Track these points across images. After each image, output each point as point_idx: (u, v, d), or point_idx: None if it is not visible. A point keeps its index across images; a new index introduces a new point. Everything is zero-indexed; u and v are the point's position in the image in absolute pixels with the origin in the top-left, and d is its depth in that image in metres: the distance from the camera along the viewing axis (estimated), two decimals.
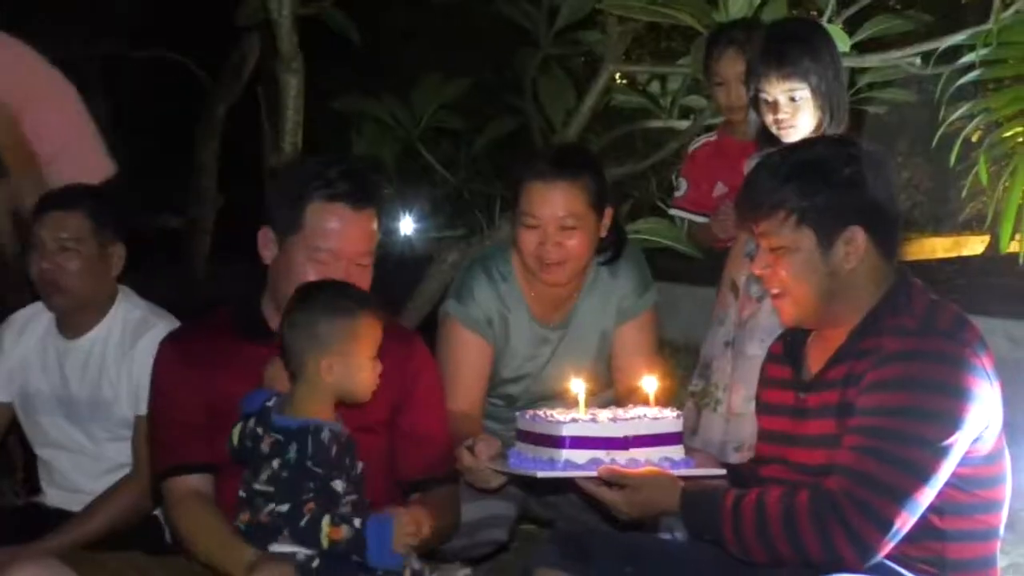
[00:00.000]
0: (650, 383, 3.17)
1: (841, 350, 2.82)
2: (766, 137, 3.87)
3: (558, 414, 3.01)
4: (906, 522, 2.64)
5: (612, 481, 2.90)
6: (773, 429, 2.98)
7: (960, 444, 2.67)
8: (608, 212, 3.72)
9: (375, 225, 3.24)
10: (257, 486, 2.93)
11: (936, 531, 2.72)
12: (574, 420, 2.97)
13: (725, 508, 2.75)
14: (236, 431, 3.03)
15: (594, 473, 2.91)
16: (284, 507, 2.89)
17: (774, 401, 3.00)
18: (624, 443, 2.96)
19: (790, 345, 2.99)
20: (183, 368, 3.22)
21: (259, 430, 2.98)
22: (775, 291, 2.88)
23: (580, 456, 2.92)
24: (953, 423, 2.64)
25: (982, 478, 2.75)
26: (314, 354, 2.98)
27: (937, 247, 10.53)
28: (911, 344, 2.69)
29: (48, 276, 3.76)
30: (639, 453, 2.96)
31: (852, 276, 2.81)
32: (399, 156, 5.71)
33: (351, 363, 2.99)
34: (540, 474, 2.95)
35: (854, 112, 3.95)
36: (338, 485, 2.91)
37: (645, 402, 3.14)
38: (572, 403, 3.12)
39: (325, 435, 2.92)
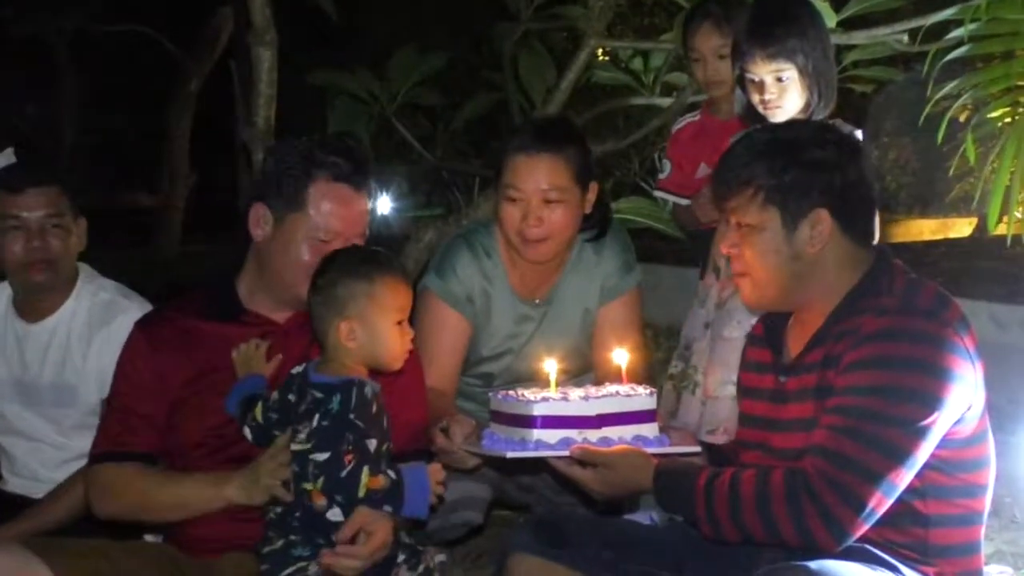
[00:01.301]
0: (622, 358, 3.16)
1: (819, 332, 2.82)
2: (753, 116, 3.85)
3: (529, 394, 3.01)
4: (881, 503, 2.64)
5: (584, 460, 2.90)
6: (754, 414, 2.98)
7: (940, 425, 2.66)
8: (593, 187, 3.71)
9: (368, 206, 3.28)
10: (295, 447, 2.95)
11: (919, 516, 2.72)
12: (545, 399, 2.96)
13: (698, 487, 2.75)
14: (259, 410, 3.06)
15: (566, 453, 2.90)
16: (323, 455, 2.91)
17: (754, 385, 3.00)
18: (596, 422, 2.95)
19: (770, 328, 2.99)
20: (152, 356, 3.23)
21: (291, 396, 3.01)
22: (740, 271, 2.89)
23: (551, 436, 2.91)
24: (932, 403, 2.64)
25: (964, 461, 2.75)
26: (334, 318, 3.01)
27: (924, 229, 10.56)
28: (889, 323, 2.69)
29: (38, 255, 3.71)
30: (612, 432, 2.95)
31: (818, 260, 2.81)
32: (374, 133, 5.69)
33: (373, 327, 3.02)
34: (510, 454, 2.95)
35: (839, 91, 3.94)
36: (372, 444, 2.94)
37: (619, 380, 3.13)
38: (548, 383, 3.11)
39: (368, 390, 2.96)
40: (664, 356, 5.47)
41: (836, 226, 2.79)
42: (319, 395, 2.96)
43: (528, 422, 2.93)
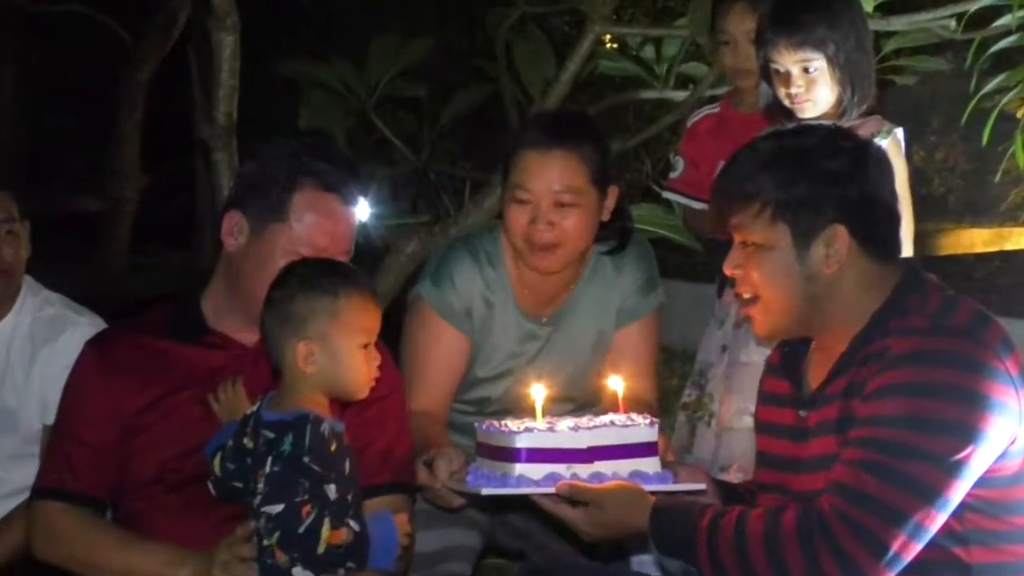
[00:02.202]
0: (618, 385, 3.16)
1: (842, 360, 2.83)
2: (779, 110, 3.89)
3: (513, 424, 3.01)
4: (907, 548, 2.65)
5: (572, 498, 2.91)
6: (772, 452, 2.99)
7: (977, 460, 2.67)
8: (613, 192, 3.70)
9: (356, 222, 3.30)
10: (256, 501, 2.93)
11: (961, 565, 2.73)
12: (528, 430, 2.96)
13: (700, 527, 2.76)
14: (217, 462, 3.06)
15: (550, 489, 2.91)
16: (277, 508, 2.89)
17: (772, 420, 3.01)
18: (587, 455, 2.95)
19: (788, 356, 3.00)
20: (104, 379, 3.24)
21: (246, 441, 3.01)
22: (746, 296, 2.90)
23: (536, 471, 2.92)
24: (967, 435, 2.65)
25: (1012, 502, 2.75)
26: (290, 338, 3.00)
27: (975, 239, 10.56)
28: (919, 345, 2.70)
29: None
30: (605, 466, 2.94)
31: (835, 281, 2.83)
32: (351, 129, 5.71)
33: (335, 350, 3.01)
34: (485, 491, 2.96)
35: (878, 83, 3.97)
36: (331, 490, 2.91)
37: (615, 408, 3.13)
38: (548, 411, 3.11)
39: (325, 428, 2.94)
40: (679, 383, 5.49)
41: (854, 243, 2.81)
42: (271, 435, 2.95)
43: (511, 455, 2.93)
